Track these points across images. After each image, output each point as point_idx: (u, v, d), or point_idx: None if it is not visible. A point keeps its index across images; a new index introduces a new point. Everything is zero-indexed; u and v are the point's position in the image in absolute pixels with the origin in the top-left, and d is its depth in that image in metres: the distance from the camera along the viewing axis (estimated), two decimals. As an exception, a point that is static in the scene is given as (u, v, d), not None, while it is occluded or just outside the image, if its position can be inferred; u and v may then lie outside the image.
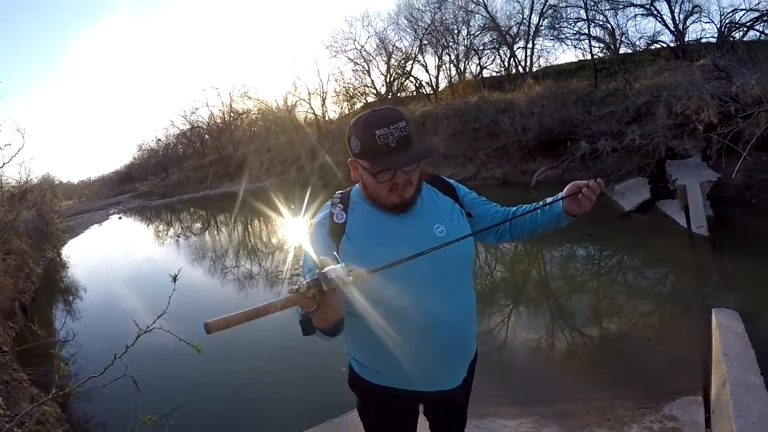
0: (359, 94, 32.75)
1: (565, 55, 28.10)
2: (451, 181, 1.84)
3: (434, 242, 1.43)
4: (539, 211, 1.71)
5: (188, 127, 47.04)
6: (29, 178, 13.31)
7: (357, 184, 1.70)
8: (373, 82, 31.39)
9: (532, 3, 21.91)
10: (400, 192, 1.55)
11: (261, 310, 1.22)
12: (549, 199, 1.69)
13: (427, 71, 28.18)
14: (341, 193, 1.72)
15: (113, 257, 15.15)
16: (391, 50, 29.19)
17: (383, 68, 30.15)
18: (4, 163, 8.44)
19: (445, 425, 2.05)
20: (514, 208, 1.80)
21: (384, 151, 1.46)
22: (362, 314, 1.59)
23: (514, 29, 23.34)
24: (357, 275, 1.26)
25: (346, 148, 1.59)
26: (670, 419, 3.40)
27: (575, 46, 21.77)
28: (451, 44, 26.10)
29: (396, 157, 1.47)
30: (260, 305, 1.22)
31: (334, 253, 1.31)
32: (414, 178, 1.57)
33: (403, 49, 28.93)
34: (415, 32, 27.19)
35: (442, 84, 28.07)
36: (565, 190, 1.61)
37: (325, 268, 1.22)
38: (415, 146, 1.51)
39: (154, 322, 2.61)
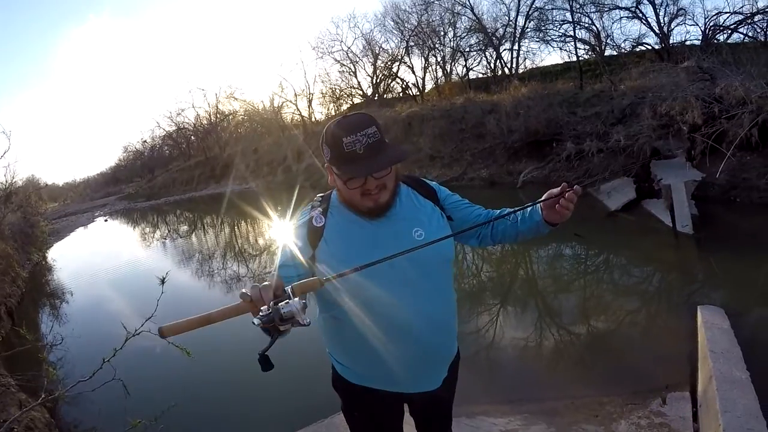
0: (346, 96, 32.79)
1: (551, 56, 28.31)
2: (433, 183, 1.84)
3: (412, 246, 1.42)
4: (519, 219, 1.72)
5: (174, 128, 46.79)
6: (14, 180, 13.15)
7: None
8: (359, 83, 31.46)
9: (518, 5, 22.09)
10: (374, 197, 1.56)
11: (212, 316, 1.23)
12: (529, 204, 1.69)
13: (413, 73, 28.30)
14: (322, 196, 1.73)
15: (100, 260, 14.98)
16: (377, 51, 29.24)
17: (370, 69, 30.25)
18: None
19: (429, 425, 2.06)
20: (497, 212, 1.79)
21: (352, 158, 1.47)
22: (342, 316, 1.62)
23: (500, 31, 23.50)
24: (306, 285, 1.27)
25: None
26: (657, 415, 3.44)
27: (561, 48, 22.00)
28: (437, 46, 26.21)
29: (364, 163, 1.47)
30: (212, 311, 1.23)
31: (288, 289, 1.25)
32: (389, 183, 1.57)
33: (390, 51, 29.04)
34: (402, 34, 27.30)
35: (429, 85, 28.19)
36: (543, 197, 1.60)
37: (280, 304, 1.19)
38: (387, 151, 1.51)
39: (142, 326, 2.60)
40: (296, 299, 1.21)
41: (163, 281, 2.52)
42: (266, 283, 1.24)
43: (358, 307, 1.59)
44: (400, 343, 1.63)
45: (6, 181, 12.46)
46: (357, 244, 1.58)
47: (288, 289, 1.24)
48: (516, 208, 1.70)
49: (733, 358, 3.54)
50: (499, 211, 1.79)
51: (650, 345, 4.72)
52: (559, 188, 1.56)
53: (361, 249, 1.53)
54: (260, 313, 1.20)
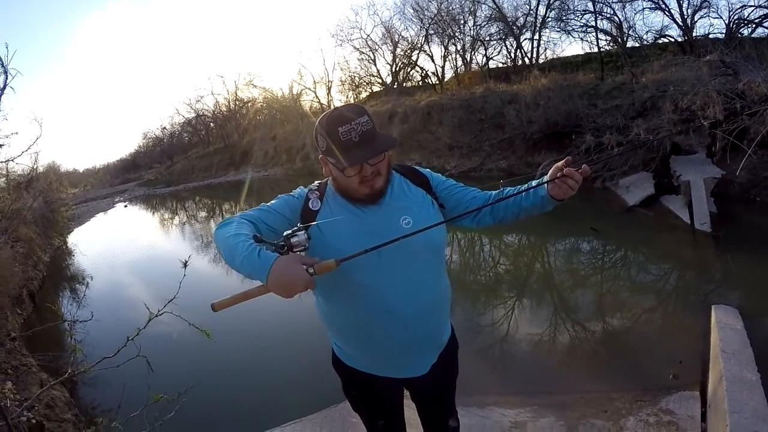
0: (365, 84, 32.85)
1: (572, 47, 28.06)
2: (425, 171, 1.88)
3: (400, 234, 1.50)
4: (523, 195, 1.71)
5: (193, 115, 47.23)
6: (36, 166, 13.32)
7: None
8: (378, 71, 31.49)
9: (539, -6, 21.81)
10: (370, 183, 1.62)
11: (250, 293, 1.45)
12: (534, 183, 1.69)
13: (433, 61, 28.17)
14: (319, 183, 1.80)
15: (119, 245, 15.18)
16: (397, 40, 29.19)
17: (389, 58, 30.27)
18: (22, 152, 8.33)
19: (427, 410, 2.10)
20: (494, 193, 1.81)
21: (348, 146, 1.54)
22: (333, 301, 1.72)
23: (521, 20, 23.29)
24: (324, 266, 1.41)
25: None
26: (666, 413, 3.45)
27: (582, 39, 21.81)
28: (457, 34, 26.02)
29: (360, 151, 1.54)
30: (250, 288, 1.46)
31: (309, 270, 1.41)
32: (382, 169, 1.64)
33: (409, 39, 28.94)
34: (422, 22, 27.17)
35: (448, 74, 28.01)
36: (549, 174, 1.62)
37: (292, 239, 1.49)
38: (379, 138, 1.58)
39: (165, 306, 2.67)
40: (302, 232, 1.51)
41: (185, 264, 2.57)
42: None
43: (346, 294, 1.67)
44: (385, 329, 1.69)
45: (29, 167, 12.61)
46: (351, 232, 1.64)
47: (310, 269, 1.39)
48: (519, 188, 1.72)
49: (745, 358, 3.54)
50: (496, 192, 1.81)
51: (663, 343, 4.72)
52: (563, 161, 1.58)
53: (355, 237, 1.60)
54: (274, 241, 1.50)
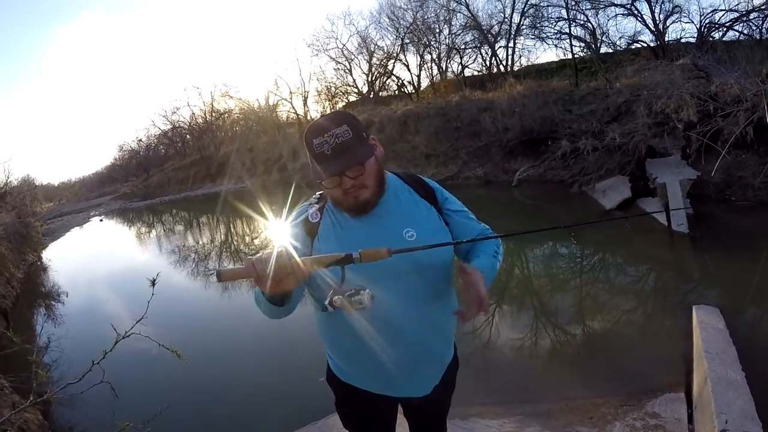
0: (341, 93, 32.87)
1: (546, 54, 28.11)
2: (433, 183, 1.80)
3: (402, 244, 1.44)
4: (472, 251, 1.76)
5: (169, 127, 46.78)
6: (8, 180, 13.06)
7: None
8: (354, 81, 31.57)
9: (514, 2, 22.22)
10: (354, 194, 1.55)
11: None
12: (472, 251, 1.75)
13: (408, 70, 28.34)
14: (320, 195, 1.73)
15: (95, 261, 14.98)
16: (372, 49, 29.32)
17: (365, 67, 30.35)
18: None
19: (420, 431, 2.04)
20: (478, 230, 1.78)
21: (321, 159, 1.49)
22: (332, 315, 1.59)
23: (496, 28, 23.61)
24: (377, 253, 1.35)
25: None
26: (652, 416, 3.43)
27: (556, 46, 22.11)
28: (432, 43, 26.27)
29: (331, 164, 1.48)
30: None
31: (355, 254, 1.35)
32: (367, 181, 1.55)
33: (385, 48, 29.10)
34: (397, 31, 27.34)
35: (424, 83, 28.24)
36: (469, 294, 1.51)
37: (353, 298, 1.35)
38: (355, 151, 1.50)
39: (132, 328, 2.57)
40: (366, 291, 1.35)
41: (153, 283, 2.48)
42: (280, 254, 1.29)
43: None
44: (388, 345, 1.61)
45: (2, 182, 12.36)
46: (349, 243, 1.53)
47: (355, 254, 1.34)
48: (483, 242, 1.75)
49: (729, 358, 3.53)
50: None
51: (645, 345, 4.71)
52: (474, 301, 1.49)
53: (353, 247, 1.48)
54: (334, 302, 1.36)
